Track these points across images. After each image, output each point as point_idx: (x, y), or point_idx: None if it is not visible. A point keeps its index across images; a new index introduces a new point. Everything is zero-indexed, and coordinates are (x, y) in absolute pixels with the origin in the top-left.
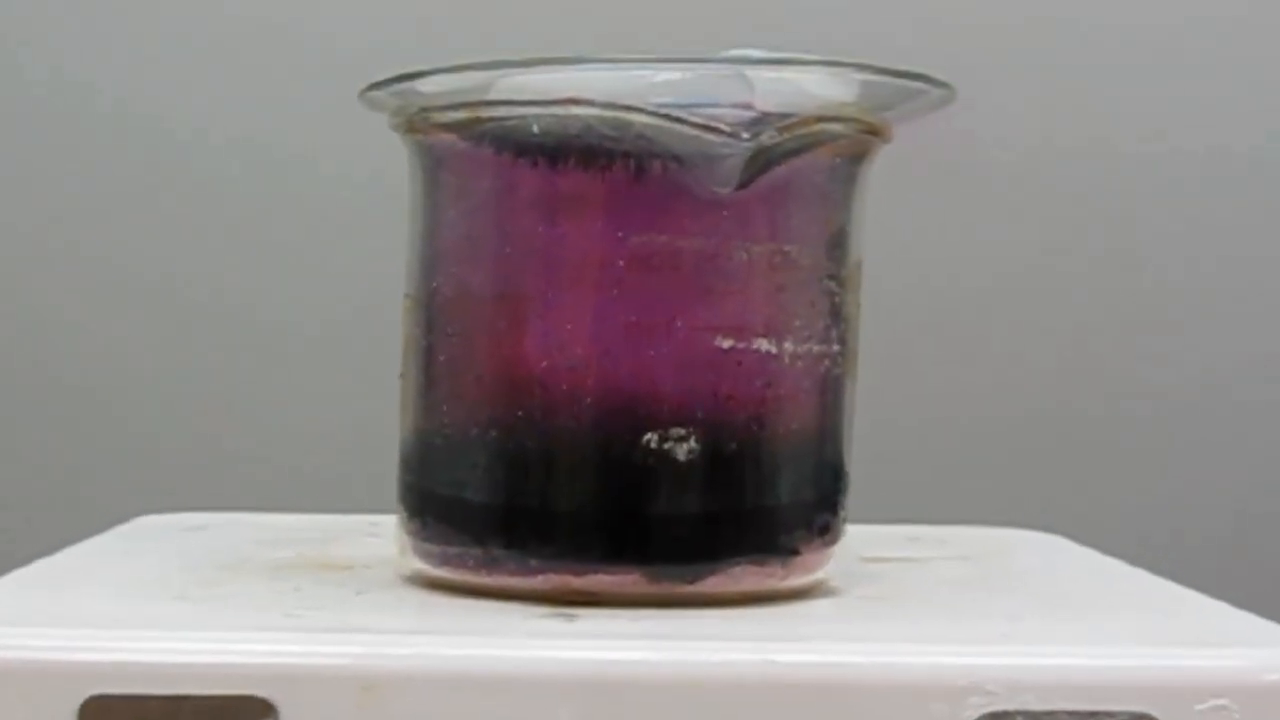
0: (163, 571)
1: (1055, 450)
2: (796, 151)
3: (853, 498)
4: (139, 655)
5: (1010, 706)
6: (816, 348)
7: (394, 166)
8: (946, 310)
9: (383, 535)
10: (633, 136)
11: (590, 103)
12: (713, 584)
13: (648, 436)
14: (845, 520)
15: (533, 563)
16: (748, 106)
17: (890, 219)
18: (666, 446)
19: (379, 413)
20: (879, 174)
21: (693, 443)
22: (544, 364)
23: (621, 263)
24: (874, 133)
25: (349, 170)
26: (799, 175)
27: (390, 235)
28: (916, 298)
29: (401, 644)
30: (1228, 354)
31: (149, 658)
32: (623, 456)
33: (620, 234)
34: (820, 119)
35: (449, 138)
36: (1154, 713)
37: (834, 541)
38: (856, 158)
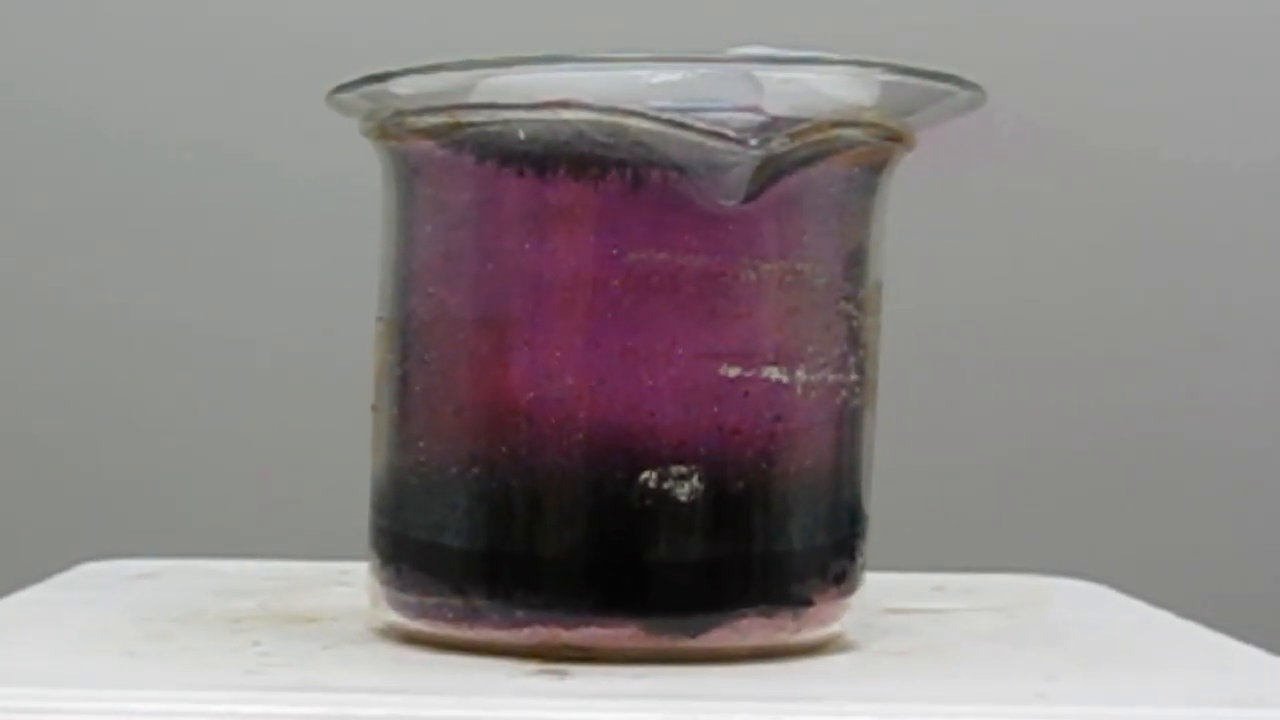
0: (108, 624)
1: (1097, 490)
2: (810, 160)
3: (873, 542)
4: (82, 717)
5: None
6: (832, 377)
7: (365, 176)
8: (976, 336)
9: (353, 584)
10: (629, 143)
11: (582, 106)
12: (718, 638)
13: (645, 475)
14: (864, 567)
15: (519, 614)
16: (756, 110)
17: (914, 234)
18: (666, 486)
19: (348, 448)
20: (901, 185)
21: (695, 482)
22: (531, 395)
23: (616, 283)
24: (896, 139)
25: (315, 180)
26: (813, 186)
27: (361, 252)
28: (943, 322)
29: (374, 704)
30: None
31: None
32: (618, 497)
33: (615, 251)
34: (836, 124)
35: (426, 144)
36: None
37: (851, 591)
38: (876, 167)
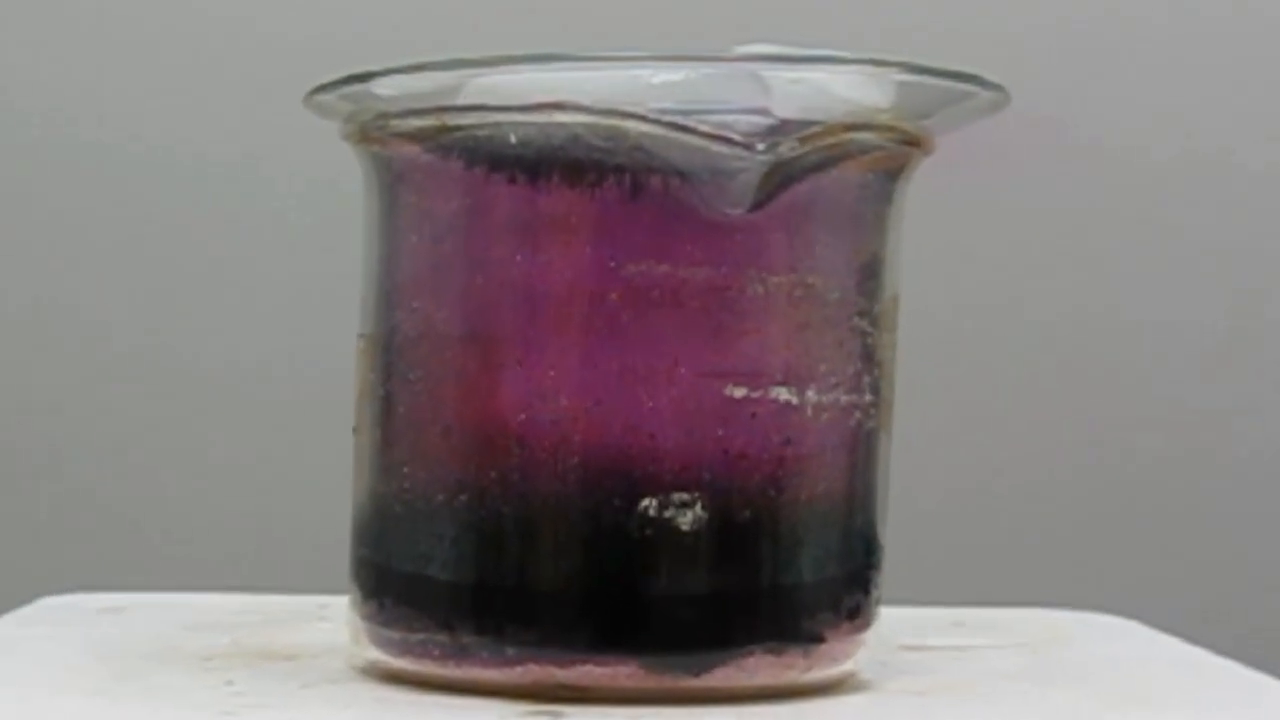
0: (74, 662)
1: (1126, 519)
2: (821, 165)
3: (888, 574)
4: None
5: None
6: (845, 397)
7: (346, 183)
8: (996, 353)
9: (333, 619)
10: (627, 148)
11: (578, 108)
12: (723, 676)
13: (646, 502)
14: (879, 601)
15: (510, 652)
16: (764, 112)
17: (931, 244)
18: (668, 514)
19: (328, 474)
20: (918, 192)
21: (698, 510)
22: (523, 416)
23: (614, 297)
24: (913, 143)
25: (291, 188)
26: (824, 194)
27: (341, 264)
28: (962, 338)
29: None
30: None
31: None
32: (616, 526)
33: (613, 263)
34: (850, 127)
35: (411, 149)
36: None
37: (865, 626)
38: (893, 173)
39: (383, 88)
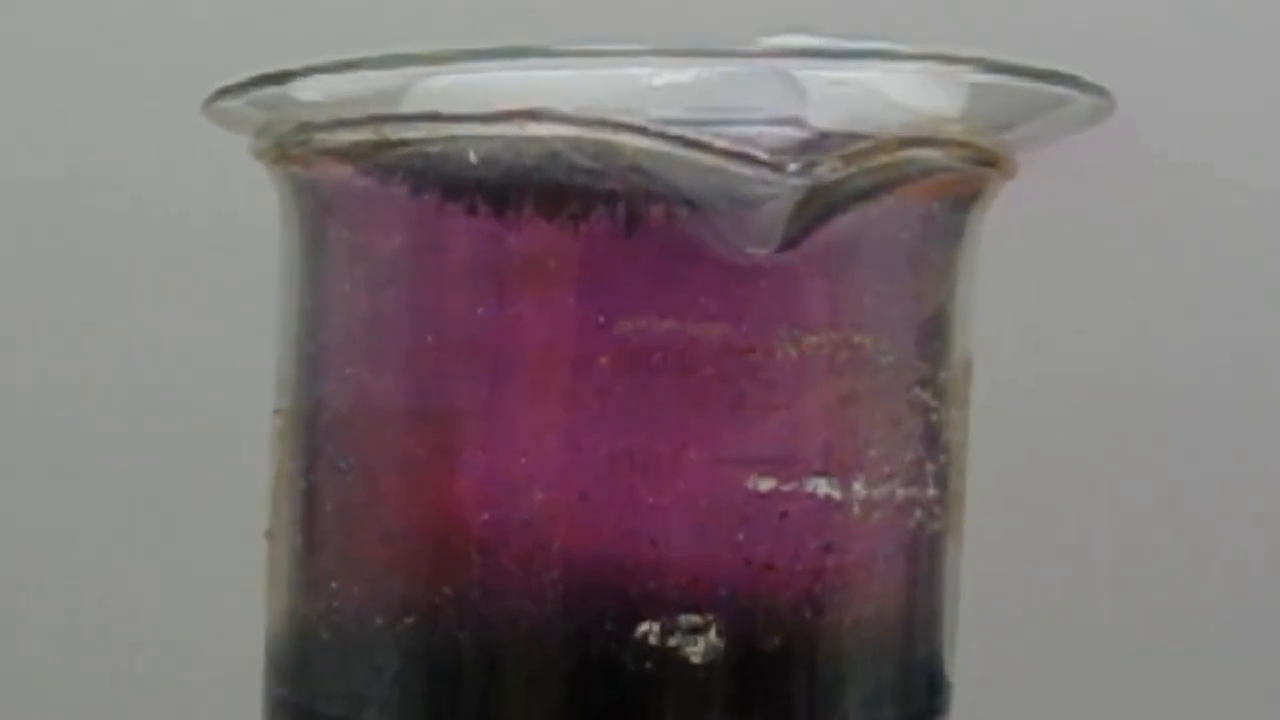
0: None
1: (1262, 647)
2: (871, 192)
3: (958, 716)
4: None
5: None
6: (902, 491)
7: (257, 213)
8: (1098, 434)
9: None
10: (622, 169)
11: (557, 117)
12: None
13: (645, 627)
14: None
15: None
16: (797, 123)
17: (1014, 293)
18: (674, 643)
19: (231, 589)
20: (997, 227)
21: (713, 637)
22: (487, 516)
23: (605, 361)
24: (990, 163)
25: (185, 219)
26: (875, 229)
27: (249, 319)
28: (1049, 413)
29: None
30: None
31: None
32: (607, 658)
33: (603, 318)
34: (908, 142)
35: (342, 170)
36: None
37: None
38: (964, 201)
39: (305, 91)
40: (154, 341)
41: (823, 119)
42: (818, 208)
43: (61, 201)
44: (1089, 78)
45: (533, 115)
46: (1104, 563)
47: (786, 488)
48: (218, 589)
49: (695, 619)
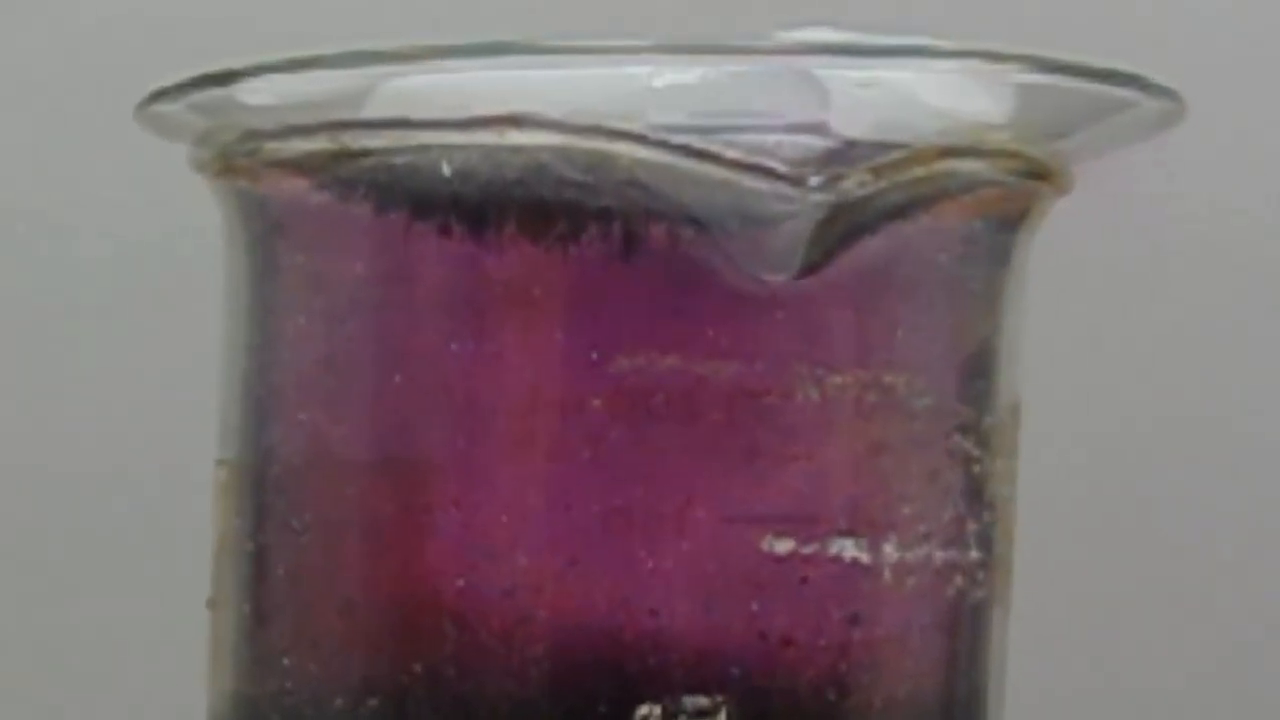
0: None
1: None
2: (905, 210)
3: None
4: None
5: None
6: (940, 554)
7: (196, 235)
8: (1167, 488)
9: None
10: (618, 183)
11: (544, 124)
12: None
13: (645, 711)
14: None
15: None
16: (819, 129)
17: (1069, 326)
18: None
19: (167, 667)
20: (1048, 249)
21: None
22: (462, 583)
23: (599, 404)
24: (1042, 176)
25: (112, 241)
26: (909, 252)
27: (188, 355)
28: (1116, 467)
29: None
30: None
31: None
32: None
33: (595, 354)
34: (948, 152)
35: (296, 184)
36: None
37: None
38: (1011, 221)
39: (253, 93)
40: (72, 383)
41: (849, 126)
42: (843, 228)
43: None
44: (1155, 78)
45: (515, 121)
46: (1175, 635)
47: (807, 550)
48: (151, 666)
49: (702, 701)
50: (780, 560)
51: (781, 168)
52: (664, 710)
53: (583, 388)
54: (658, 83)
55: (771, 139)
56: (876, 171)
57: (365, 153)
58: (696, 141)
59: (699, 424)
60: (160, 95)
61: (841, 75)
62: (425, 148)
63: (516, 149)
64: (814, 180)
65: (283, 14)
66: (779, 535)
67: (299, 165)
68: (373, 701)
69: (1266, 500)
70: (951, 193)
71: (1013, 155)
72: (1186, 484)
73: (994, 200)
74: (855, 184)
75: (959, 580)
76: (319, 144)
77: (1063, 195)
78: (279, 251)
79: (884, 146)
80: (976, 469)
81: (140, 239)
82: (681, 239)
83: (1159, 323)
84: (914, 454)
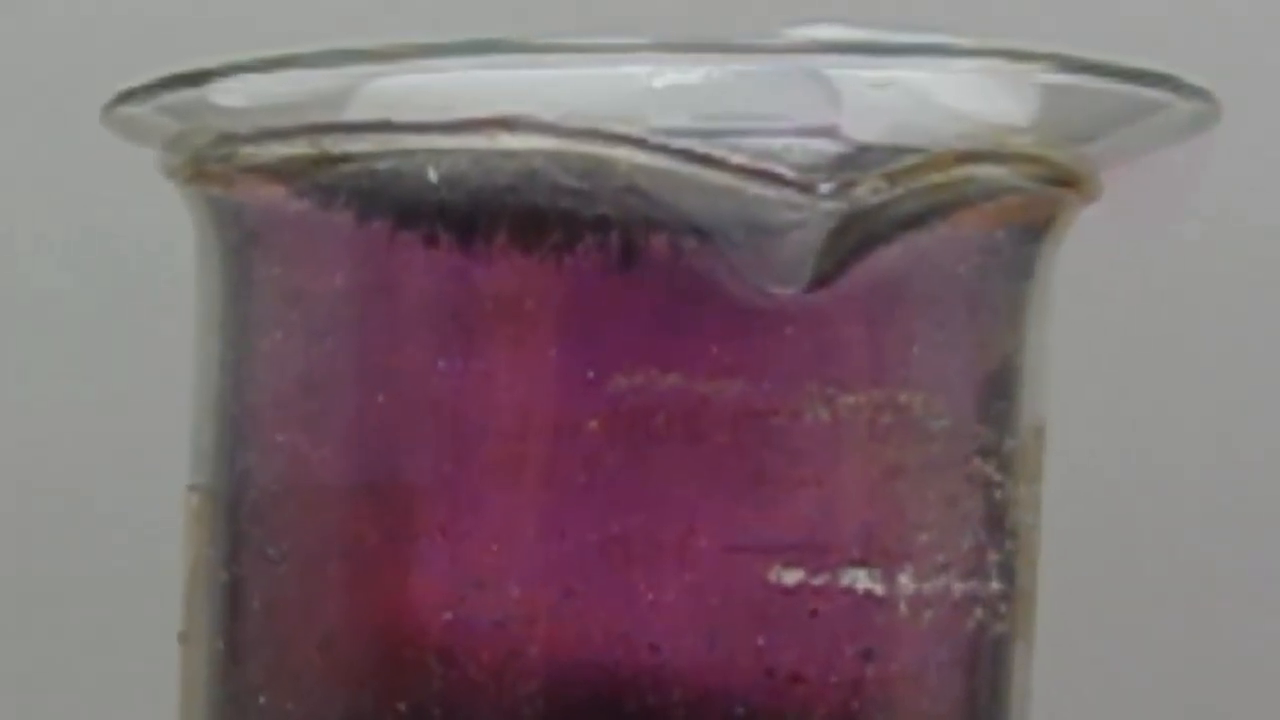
0: None
1: None
2: (922, 219)
3: None
4: None
5: None
6: (959, 585)
7: (167, 245)
8: (1202, 515)
9: None
10: (616, 190)
11: (537, 126)
12: None
13: None
14: None
15: None
16: (830, 133)
17: (1097, 342)
18: None
19: (135, 706)
20: (1074, 261)
21: None
22: (449, 616)
23: (595, 425)
24: (1067, 183)
25: (78, 250)
26: (926, 264)
27: (159, 373)
28: (1148, 494)
29: None
30: None
31: None
32: None
33: (591, 372)
34: (967, 157)
35: (273, 192)
36: None
37: None
38: (1035, 230)
39: (227, 94)
40: (30, 403)
41: (862, 129)
42: (855, 238)
43: None
44: (1188, 78)
45: (507, 124)
46: (1212, 675)
47: (817, 581)
48: (118, 706)
49: None
50: (789, 592)
51: (790, 174)
52: None
53: (578, 408)
54: (658, 83)
55: (779, 143)
56: (891, 178)
57: (346, 158)
58: (699, 146)
59: (702, 447)
60: (128, 96)
61: (854, 75)
62: (410, 152)
63: (508, 154)
64: (824, 187)
65: (260, 10)
66: (787, 565)
67: (276, 171)
68: None
69: None
70: (971, 200)
71: (1036, 160)
72: (1224, 512)
73: (1016, 208)
74: (868, 191)
75: (979, 613)
76: (297, 148)
77: (1089, 203)
78: (255, 263)
79: (899, 151)
80: (998, 495)
81: (106, 250)
82: (683, 250)
83: (1194, 339)
84: (931, 479)
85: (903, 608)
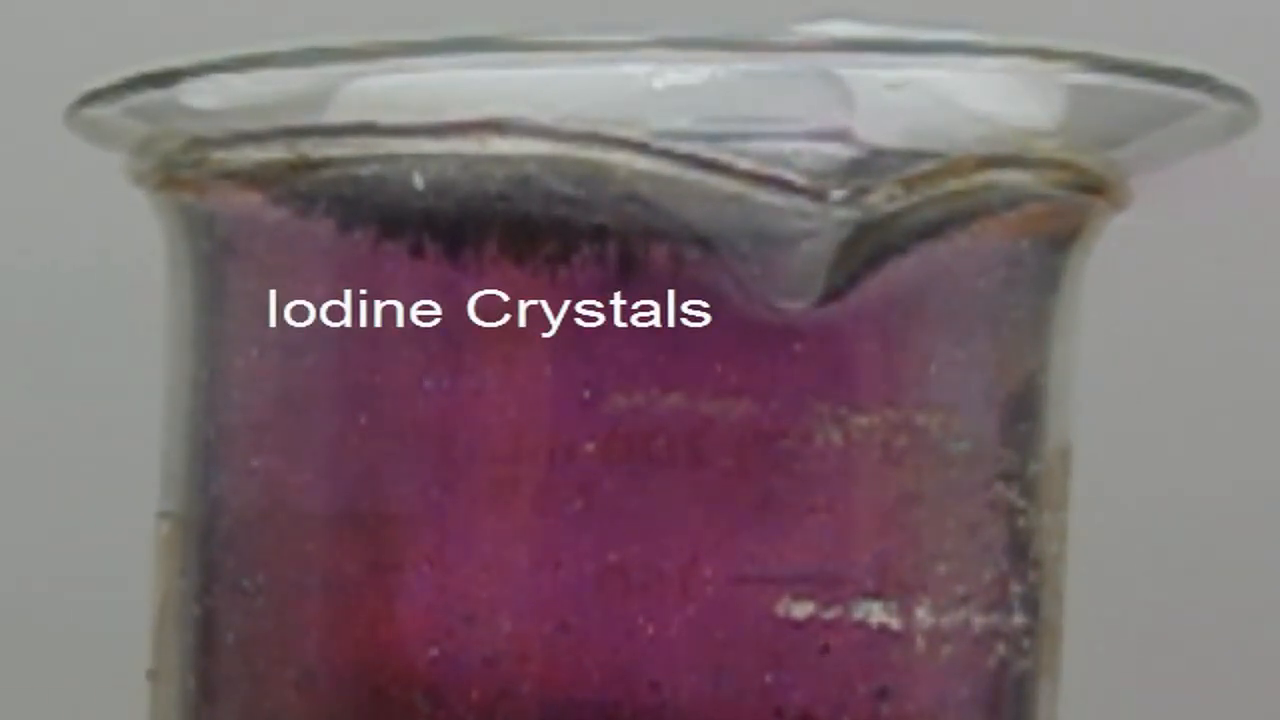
0: None
1: None
2: (940, 228)
3: None
4: None
5: None
6: (980, 619)
7: (135, 255)
8: (1237, 544)
9: None
10: (615, 198)
11: (530, 129)
12: None
13: None
14: None
15: None
16: (843, 136)
17: (1128, 360)
18: None
19: None
20: (1103, 272)
21: None
22: (436, 652)
23: (591, 448)
24: (1096, 190)
25: (41, 261)
26: (944, 276)
27: (126, 392)
28: (1182, 521)
29: None
30: None
31: None
32: None
33: (588, 392)
34: (988, 162)
35: (248, 199)
36: None
37: None
38: (1061, 240)
39: (199, 95)
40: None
41: (876, 132)
42: (870, 248)
43: None
44: (1224, 77)
45: (498, 127)
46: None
47: (829, 614)
48: None
49: None
50: (799, 626)
51: (800, 180)
52: None
53: (574, 430)
54: (659, 83)
55: (788, 147)
56: (907, 184)
57: (326, 163)
58: (703, 150)
59: (706, 471)
60: (94, 97)
61: (868, 75)
62: (395, 157)
63: (499, 159)
64: (837, 194)
65: (234, 6)
66: (797, 598)
67: (251, 177)
68: None
69: None
70: (993, 208)
71: (1063, 165)
72: (1265, 540)
73: (1041, 217)
74: (883, 198)
75: (1001, 649)
76: (274, 153)
77: (1119, 211)
78: (229, 274)
79: (916, 156)
80: (1021, 522)
81: (69, 260)
82: (686, 261)
83: (1231, 356)
84: (950, 505)
85: (920, 643)
